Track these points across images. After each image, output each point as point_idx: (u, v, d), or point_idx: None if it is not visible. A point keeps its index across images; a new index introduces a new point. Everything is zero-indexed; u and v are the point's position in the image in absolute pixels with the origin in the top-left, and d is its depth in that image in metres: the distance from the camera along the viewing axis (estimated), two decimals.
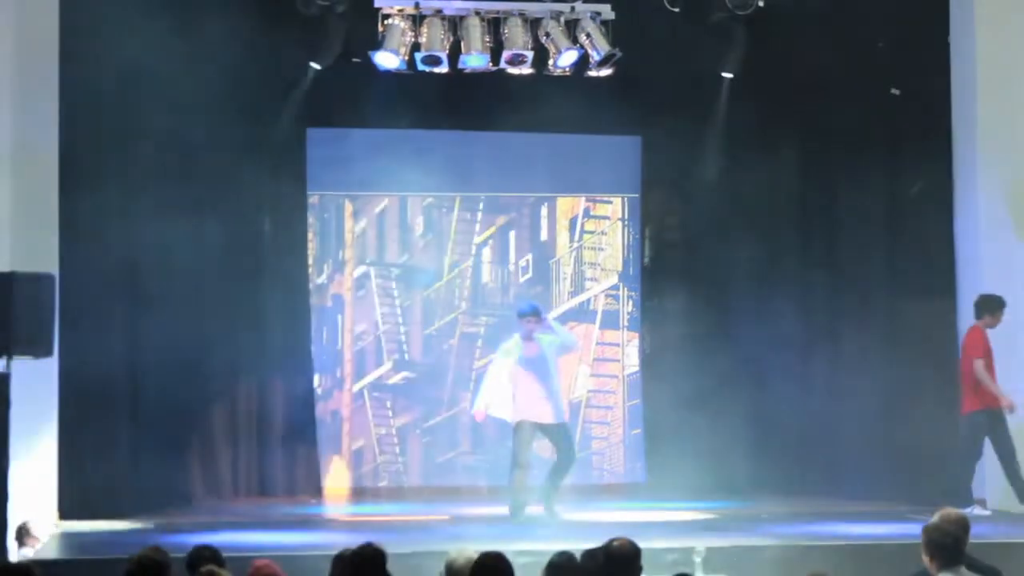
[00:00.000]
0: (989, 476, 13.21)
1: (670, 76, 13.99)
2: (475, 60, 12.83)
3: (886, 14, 13.78)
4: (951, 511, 7.37)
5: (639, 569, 6.94)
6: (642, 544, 7.06)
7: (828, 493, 13.84)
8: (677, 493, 14.33)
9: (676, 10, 13.29)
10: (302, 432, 14.75)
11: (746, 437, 14.52)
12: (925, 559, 6.82)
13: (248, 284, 14.12)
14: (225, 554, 7.40)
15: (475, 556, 6.73)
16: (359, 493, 15.02)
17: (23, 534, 10.40)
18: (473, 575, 5.92)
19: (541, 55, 13.07)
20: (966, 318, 13.47)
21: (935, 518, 7.11)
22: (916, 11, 13.81)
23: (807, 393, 14.43)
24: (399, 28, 12.74)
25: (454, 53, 12.87)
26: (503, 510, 12.40)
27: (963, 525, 7.21)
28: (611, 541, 6.98)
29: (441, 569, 6.77)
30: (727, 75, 13.68)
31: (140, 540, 10.28)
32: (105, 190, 12.43)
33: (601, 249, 15.77)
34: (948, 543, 6.81)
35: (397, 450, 15.25)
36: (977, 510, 11.96)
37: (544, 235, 15.70)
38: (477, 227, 15.55)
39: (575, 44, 12.92)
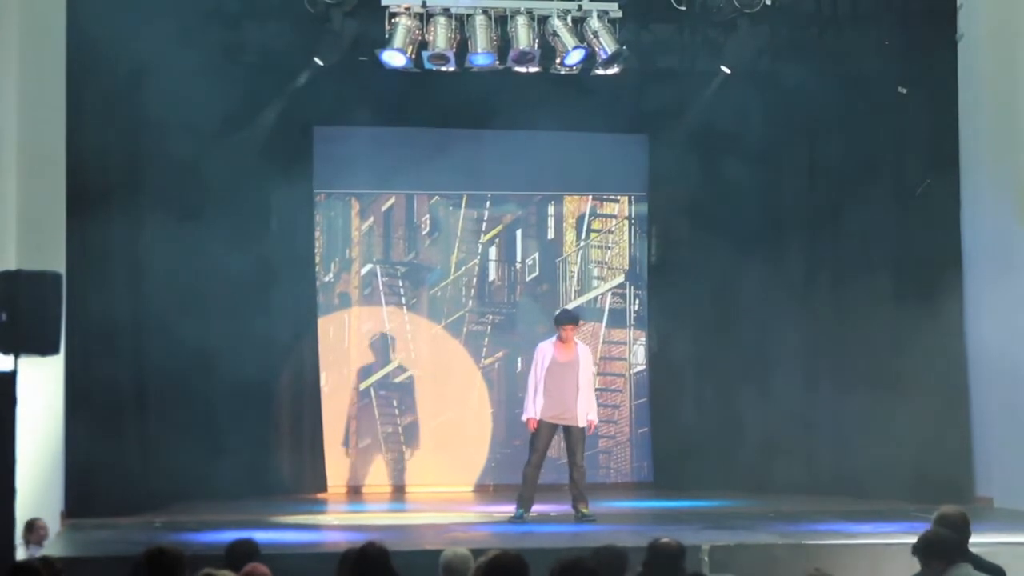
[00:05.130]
0: (993, 474, 13.23)
1: (677, 74, 13.98)
2: (482, 59, 12.83)
3: (893, 12, 13.77)
4: (948, 511, 7.37)
5: (683, 568, 6.99)
6: (648, 543, 7.09)
7: (834, 491, 13.83)
8: (684, 491, 14.34)
9: (683, 8, 13.27)
10: (308, 430, 14.75)
11: (753, 435, 14.52)
12: (921, 564, 6.86)
13: (255, 282, 14.10)
14: None
15: (469, 554, 6.75)
16: (365, 492, 15.03)
17: (30, 532, 10.41)
18: (490, 573, 5.90)
19: (548, 53, 13.06)
20: (973, 315, 13.47)
21: (933, 520, 7.16)
22: (923, 9, 13.80)
23: (813, 391, 14.42)
24: (406, 27, 12.73)
25: (461, 52, 12.87)
26: (508, 509, 12.41)
27: (960, 524, 7.22)
28: (657, 539, 7.05)
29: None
30: (726, 70, 13.68)
31: (145, 538, 10.28)
32: (112, 188, 12.45)
33: (608, 247, 15.77)
34: (944, 544, 6.84)
35: (403, 448, 15.25)
36: None
37: (551, 233, 15.70)
38: (484, 225, 15.55)
39: (582, 42, 12.91)
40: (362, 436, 15.19)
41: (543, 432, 12.24)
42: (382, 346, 15.34)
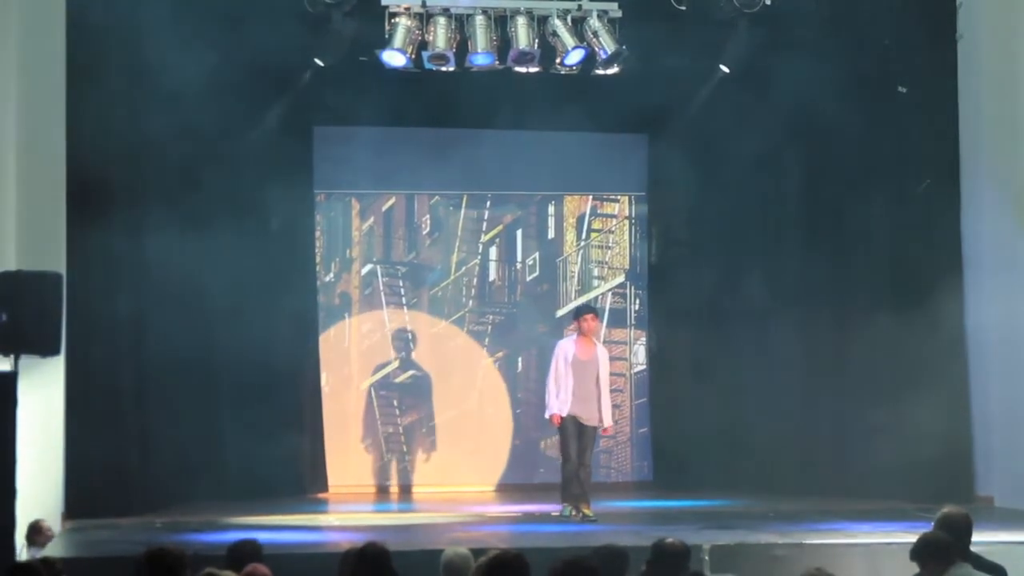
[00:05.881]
0: (996, 473, 13.23)
1: (677, 74, 13.97)
2: (482, 59, 12.83)
3: (893, 12, 13.76)
4: (950, 512, 7.37)
5: (688, 569, 7.01)
6: (648, 542, 7.10)
7: (834, 491, 13.80)
8: (684, 491, 14.34)
9: (683, 8, 13.26)
10: (309, 430, 14.74)
11: (753, 435, 14.51)
12: (920, 566, 6.87)
13: (255, 282, 14.07)
14: None
15: (469, 554, 6.76)
16: (366, 492, 15.03)
17: (34, 533, 10.42)
18: (491, 572, 5.91)
19: (548, 53, 13.06)
20: (973, 315, 13.47)
21: (935, 521, 7.16)
22: (923, 9, 13.79)
23: (813, 391, 14.40)
24: (406, 27, 12.73)
25: (461, 52, 12.87)
26: (508, 509, 12.40)
27: (962, 524, 7.21)
28: (662, 539, 7.07)
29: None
30: (725, 69, 13.70)
31: (146, 538, 10.28)
32: (112, 189, 12.42)
33: (608, 247, 15.78)
34: (940, 546, 6.84)
35: (404, 448, 15.26)
36: None
37: (551, 233, 15.71)
38: (484, 225, 15.56)
39: (582, 42, 12.91)
40: (363, 436, 15.20)
41: (570, 429, 12.19)
42: (382, 346, 15.34)
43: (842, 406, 14.09)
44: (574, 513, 12.10)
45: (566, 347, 12.33)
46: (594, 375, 12.22)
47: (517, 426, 15.30)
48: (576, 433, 12.23)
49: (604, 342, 15.37)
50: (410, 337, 15.37)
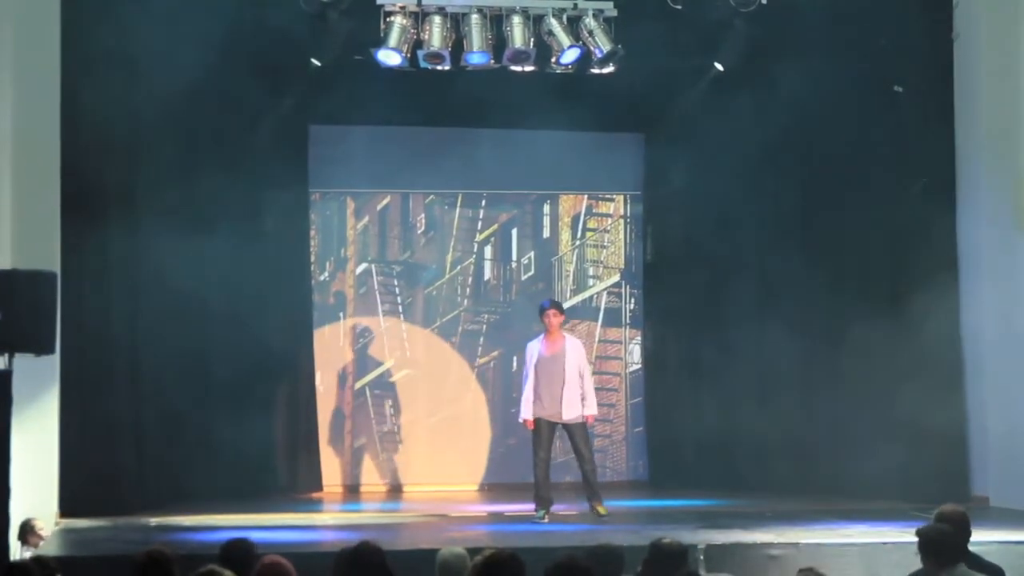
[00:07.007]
0: (991, 472, 13.23)
1: (672, 73, 13.96)
2: (477, 58, 12.81)
3: (889, 12, 13.75)
4: (948, 509, 7.38)
5: (687, 567, 7.02)
6: (644, 542, 7.09)
7: (830, 491, 13.80)
8: (679, 490, 14.33)
9: (679, 7, 13.25)
10: (304, 430, 14.74)
11: (748, 434, 14.49)
12: (922, 560, 6.86)
13: (250, 281, 14.06)
14: None
15: (465, 553, 6.76)
16: (361, 491, 15.02)
17: (27, 532, 10.40)
18: (486, 572, 5.91)
19: (543, 52, 13.05)
20: (969, 315, 13.46)
21: (932, 519, 7.16)
22: (919, 9, 13.79)
23: (809, 391, 14.39)
24: (401, 26, 12.72)
25: (456, 51, 12.85)
26: (504, 508, 12.37)
27: (960, 523, 7.23)
28: (659, 538, 7.08)
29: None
30: (720, 68, 13.69)
31: (141, 537, 10.28)
32: (107, 187, 12.42)
33: (603, 247, 15.77)
34: (943, 542, 6.85)
35: (399, 447, 15.25)
36: None
37: (546, 232, 15.70)
38: (479, 224, 15.55)
39: (577, 41, 12.90)
40: (357, 435, 15.19)
41: (542, 429, 12.12)
42: (377, 345, 15.33)
43: (838, 406, 14.08)
44: (547, 515, 12.02)
45: (532, 348, 12.28)
46: (561, 371, 12.06)
47: (512, 425, 15.26)
48: (549, 435, 12.16)
49: (599, 341, 15.43)
50: (405, 336, 15.35)
